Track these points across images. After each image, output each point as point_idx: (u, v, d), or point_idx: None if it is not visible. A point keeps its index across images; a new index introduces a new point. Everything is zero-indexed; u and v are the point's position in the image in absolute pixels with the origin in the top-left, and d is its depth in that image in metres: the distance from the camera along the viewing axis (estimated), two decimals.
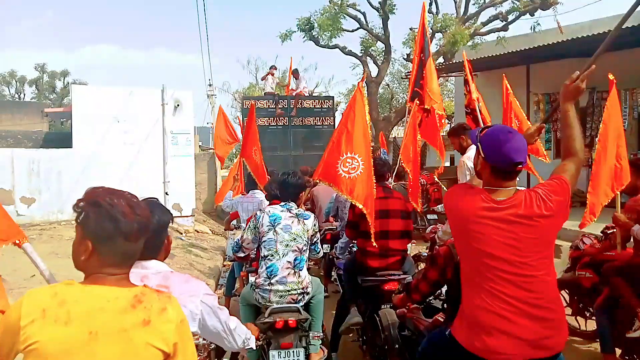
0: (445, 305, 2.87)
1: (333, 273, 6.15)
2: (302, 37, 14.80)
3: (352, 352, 4.35)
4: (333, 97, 15.96)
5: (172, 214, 2.13)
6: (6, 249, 2.06)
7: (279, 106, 12.87)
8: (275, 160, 10.89)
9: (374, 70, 15.74)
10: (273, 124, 12.66)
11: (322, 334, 3.58)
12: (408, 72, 16.63)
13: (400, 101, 22.92)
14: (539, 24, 13.35)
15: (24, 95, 36.41)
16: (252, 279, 3.70)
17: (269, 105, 12.77)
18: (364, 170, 3.85)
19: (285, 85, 15.05)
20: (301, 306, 3.41)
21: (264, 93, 14.51)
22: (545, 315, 2.01)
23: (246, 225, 3.77)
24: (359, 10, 14.95)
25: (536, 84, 11.10)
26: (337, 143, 3.95)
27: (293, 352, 3.26)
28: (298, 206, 3.72)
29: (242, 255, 3.80)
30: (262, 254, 3.50)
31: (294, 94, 13.46)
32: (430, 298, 3.21)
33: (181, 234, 9.88)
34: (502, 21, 13.46)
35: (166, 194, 10.30)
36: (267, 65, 31.58)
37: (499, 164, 2.09)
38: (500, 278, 2.01)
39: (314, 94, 21.31)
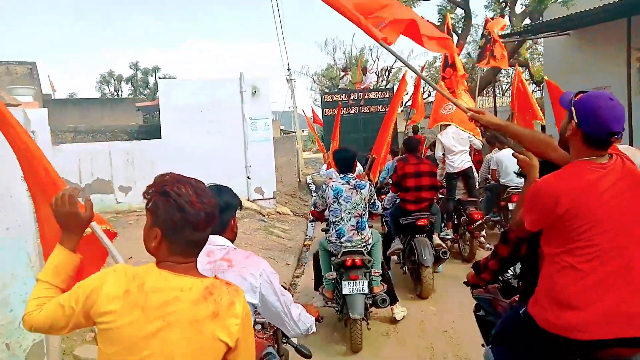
0: (520, 284, 2.65)
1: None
2: None
3: (395, 274, 6.00)
4: (392, 88, 19.80)
5: (239, 200, 2.18)
6: None
7: (351, 98, 16.34)
8: (349, 141, 12.72)
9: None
10: (347, 112, 15.86)
11: (381, 271, 4.59)
12: None
13: (484, 70, 21.78)
14: None
15: (122, 92, 39.22)
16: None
17: (342, 98, 16.11)
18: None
19: (355, 82, 19.73)
20: (366, 251, 4.47)
21: (338, 88, 20.10)
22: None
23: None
24: None
25: (639, 39, 9.89)
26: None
27: (359, 282, 4.24)
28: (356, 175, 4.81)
29: (318, 210, 4.87)
30: (331, 220, 4.59)
31: (361, 87, 17.06)
32: (509, 277, 3.00)
33: (264, 216, 10.20)
34: None
35: (248, 178, 10.67)
36: (344, 44, 34.05)
37: (594, 132, 1.89)
38: (598, 251, 1.85)
39: (392, 70, 25.55)
